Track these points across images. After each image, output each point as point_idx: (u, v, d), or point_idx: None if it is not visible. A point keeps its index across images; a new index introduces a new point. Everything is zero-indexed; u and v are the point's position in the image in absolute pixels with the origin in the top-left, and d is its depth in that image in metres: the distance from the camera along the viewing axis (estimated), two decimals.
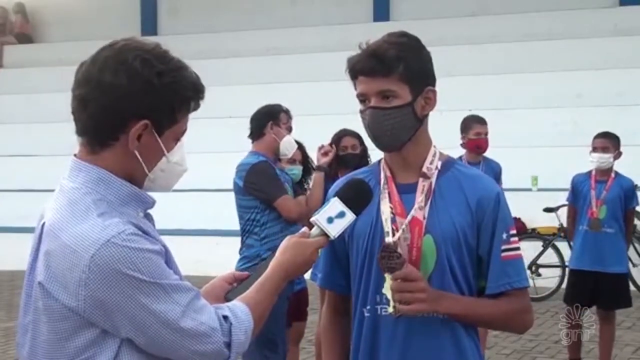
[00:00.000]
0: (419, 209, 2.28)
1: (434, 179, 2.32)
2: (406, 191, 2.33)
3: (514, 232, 2.34)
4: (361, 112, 2.32)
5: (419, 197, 2.29)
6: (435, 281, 2.26)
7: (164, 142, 1.85)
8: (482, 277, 2.34)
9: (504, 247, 2.30)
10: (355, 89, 2.32)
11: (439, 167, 2.34)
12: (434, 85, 2.33)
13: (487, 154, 6.67)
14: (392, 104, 2.25)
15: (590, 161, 6.27)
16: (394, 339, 2.29)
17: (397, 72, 2.23)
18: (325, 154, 5.37)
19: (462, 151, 6.50)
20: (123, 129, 1.80)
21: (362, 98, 2.30)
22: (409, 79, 2.25)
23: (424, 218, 2.28)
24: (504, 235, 2.30)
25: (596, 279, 6.21)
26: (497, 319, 2.36)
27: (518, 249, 2.34)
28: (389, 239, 2.27)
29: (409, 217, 2.28)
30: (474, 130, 6.40)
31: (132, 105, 1.79)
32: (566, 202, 6.82)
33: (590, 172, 6.32)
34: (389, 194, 2.34)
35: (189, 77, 1.86)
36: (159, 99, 1.81)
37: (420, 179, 2.32)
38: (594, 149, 6.22)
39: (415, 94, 2.27)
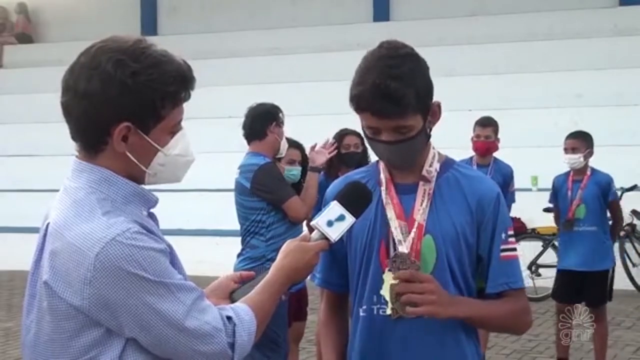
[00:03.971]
0: (420, 213, 2.29)
1: (433, 182, 2.32)
2: (405, 192, 2.33)
3: (512, 232, 2.36)
4: (370, 140, 2.27)
5: (419, 200, 2.30)
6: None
7: (153, 138, 1.83)
8: (481, 277, 2.34)
9: (502, 247, 2.31)
10: (358, 114, 2.25)
11: (438, 169, 2.34)
12: (433, 94, 2.29)
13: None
14: (407, 135, 2.22)
15: (564, 162, 6.28)
16: (390, 340, 2.29)
17: (411, 108, 2.18)
18: (321, 153, 5.32)
19: (472, 152, 6.58)
20: (107, 133, 1.79)
21: (372, 131, 2.25)
22: (420, 107, 2.21)
23: (424, 220, 2.28)
24: (503, 235, 2.31)
25: (582, 277, 6.21)
26: (504, 319, 2.36)
27: (515, 249, 2.35)
28: (402, 249, 2.26)
29: (416, 225, 2.27)
30: (474, 132, 6.51)
31: (109, 109, 1.77)
32: None
33: (568, 172, 6.34)
34: (388, 195, 2.33)
35: (169, 71, 1.82)
36: (136, 100, 1.78)
37: (421, 182, 2.32)
38: (565, 150, 6.23)
39: (425, 116, 2.25)
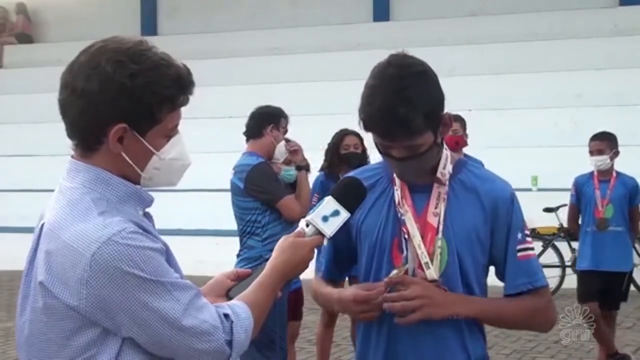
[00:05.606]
0: (434, 215, 2.28)
1: (447, 185, 2.31)
2: (418, 190, 2.32)
3: (528, 231, 2.37)
4: (382, 154, 2.26)
5: (433, 203, 2.30)
6: (445, 282, 2.26)
7: (149, 141, 1.83)
8: (499, 277, 2.36)
9: (519, 247, 2.32)
10: (367, 130, 2.22)
11: (451, 170, 2.33)
12: (444, 105, 2.26)
13: (486, 153, 6.68)
14: (418, 151, 2.20)
15: (590, 164, 6.29)
16: (400, 336, 2.29)
17: (420, 129, 2.16)
18: (295, 152, 5.31)
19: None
20: (103, 133, 1.79)
21: (383, 147, 2.23)
22: (430, 124, 2.19)
23: (437, 223, 2.28)
24: (519, 235, 2.33)
25: (605, 278, 6.21)
26: (521, 317, 2.36)
27: (533, 248, 2.36)
28: (431, 274, 2.25)
29: (429, 227, 2.27)
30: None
31: (106, 110, 1.77)
32: (566, 203, 6.81)
33: (592, 172, 6.34)
34: (402, 197, 2.32)
35: (168, 74, 1.81)
36: (133, 102, 1.77)
37: (435, 185, 2.31)
38: (590, 152, 6.24)
39: (436, 130, 2.23)
